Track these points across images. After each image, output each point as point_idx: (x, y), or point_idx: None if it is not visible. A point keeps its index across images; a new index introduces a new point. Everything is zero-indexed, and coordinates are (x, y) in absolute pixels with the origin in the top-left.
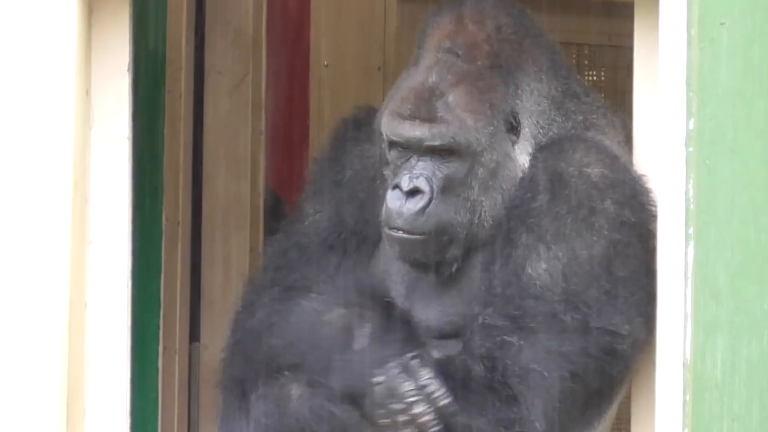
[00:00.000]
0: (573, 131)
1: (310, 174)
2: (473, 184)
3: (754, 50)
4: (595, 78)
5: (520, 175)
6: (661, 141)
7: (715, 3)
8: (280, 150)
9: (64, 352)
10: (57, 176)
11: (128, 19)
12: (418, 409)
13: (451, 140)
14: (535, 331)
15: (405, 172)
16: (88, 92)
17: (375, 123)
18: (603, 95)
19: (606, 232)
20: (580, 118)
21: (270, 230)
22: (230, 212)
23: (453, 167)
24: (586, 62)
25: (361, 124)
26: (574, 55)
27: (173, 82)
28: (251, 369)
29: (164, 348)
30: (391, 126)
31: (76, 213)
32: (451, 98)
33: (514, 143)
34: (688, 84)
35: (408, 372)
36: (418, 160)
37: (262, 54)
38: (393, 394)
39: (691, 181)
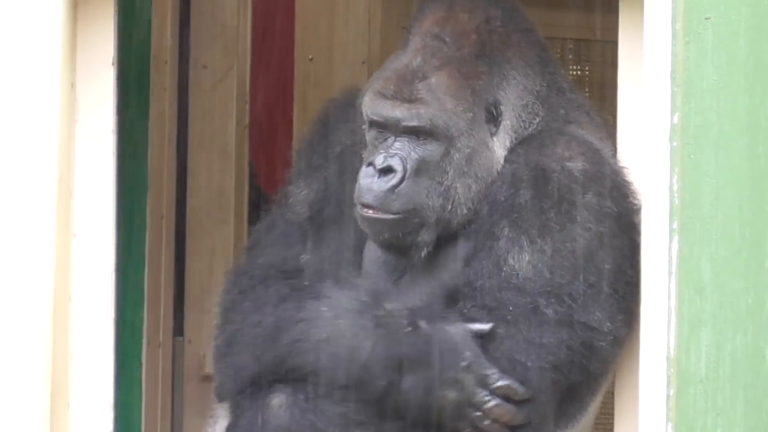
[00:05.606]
0: (554, 125)
1: (296, 154)
2: (447, 168)
3: (738, 45)
4: (579, 72)
5: (497, 167)
6: (646, 135)
7: None
8: (263, 144)
9: (48, 345)
10: (42, 169)
11: (113, 13)
12: (498, 410)
13: (429, 122)
14: (515, 322)
15: (381, 151)
16: (73, 86)
17: (358, 103)
18: (588, 90)
19: (589, 225)
20: (563, 112)
21: (253, 225)
22: (215, 206)
23: (428, 149)
24: (570, 57)
25: (349, 104)
26: (558, 50)
27: (158, 75)
28: (258, 369)
29: (148, 342)
30: (371, 105)
31: (60, 206)
32: (433, 80)
33: (492, 134)
34: (672, 78)
35: (476, 377)
36: (395, 140)
37: (246, 48)
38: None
39: (676, 175)
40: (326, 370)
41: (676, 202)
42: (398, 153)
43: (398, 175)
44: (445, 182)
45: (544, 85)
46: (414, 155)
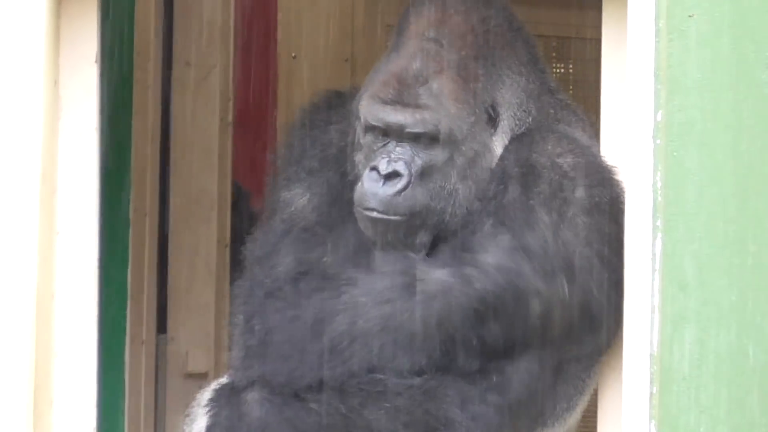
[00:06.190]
0: (544, 123)
1: (283, 159)
2: (451, 172)
3: (722, 42)
4: (563, 70)
5: (494, 166)
6: (630, 133)
7: None
8: (246, 141)
9: (31, 342)
10: (25, 166)
11: (97, 10)
12: None
13: (434, 127)
14: None
15: (383, 156)
16: (56, 83)
17: (353, 105)
18: (571, 88)
19: (578, 220)
20: (552, 111)
21: (235, 223)
22: (198, 203)
23: (433, 154)
24: (554, 54)
25: (331, 106)
26: (541, 48)
27: (141, 73)
28: (301, 363)
29: (131, 339)
30: (371, 110)
31: (44, 204)
32: (434, 85)
33: (491, 134)
34: (656, 76)
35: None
36: (397, 145)
37: (230, 45)
38: None
39: (659, 173)
40: (381, 356)
41: (660, 199)
42: (402, 158)
43: (404, 180)
44: (448, 186)
45: (537, 83)
46: (418, 160)
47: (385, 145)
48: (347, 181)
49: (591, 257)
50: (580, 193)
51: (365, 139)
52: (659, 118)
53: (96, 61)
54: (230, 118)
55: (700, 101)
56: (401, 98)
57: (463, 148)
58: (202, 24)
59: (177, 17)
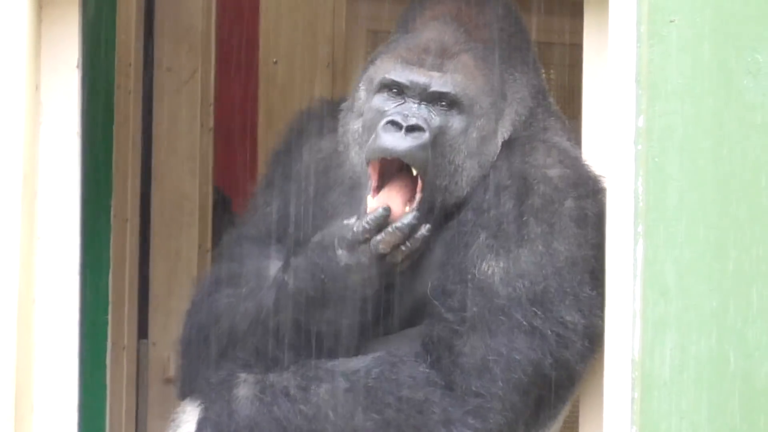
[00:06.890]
0: (533, 130)
1: (266, 165)
2: (462, 147)
3: (703, 47)
4: (544, 76)
5: (493, 159)
6: (611, 138)
7: (665, 0)
8: (227, 147)
9: (12, 348)
10: (6, 171)
11: (78, 15)
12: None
13: (461, 90)
14: (485, 330)
15: (395, 113)
16: (37, 88)
17: (355, 82)
18: (553, 93)
19: (568, 232)
20: (541, 117)
21: (216, 228)
22: (179, 209)
23: (450, 121)
24: None
25: (314, 117)
26: None
27: (123, 78)
28: (203, 367)
29: (112, 344)
30: (392, 68)
31: (25, 209)
32: (461, 59)
33: (499, 123)
34: (637, 81)
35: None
36: (413, 105)
37: (211, 50)
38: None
39: (641, 178)
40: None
41: (641, 205)
42: (420, 114)
43: (426, 134)
44: (457, 161)
45: (534, 87)
46: (434, 122)
47: (399, 105)
48: (307, 197)
49: (583, 272)
50: (569, 204)
51: (375, 101)
52: (640, 123)
53: (77, 66)
54: (211, 123)
55: (681, 107)
56: (427, 63)
57: (479, 124)
58: (183, 29)
59: (158, 22)
